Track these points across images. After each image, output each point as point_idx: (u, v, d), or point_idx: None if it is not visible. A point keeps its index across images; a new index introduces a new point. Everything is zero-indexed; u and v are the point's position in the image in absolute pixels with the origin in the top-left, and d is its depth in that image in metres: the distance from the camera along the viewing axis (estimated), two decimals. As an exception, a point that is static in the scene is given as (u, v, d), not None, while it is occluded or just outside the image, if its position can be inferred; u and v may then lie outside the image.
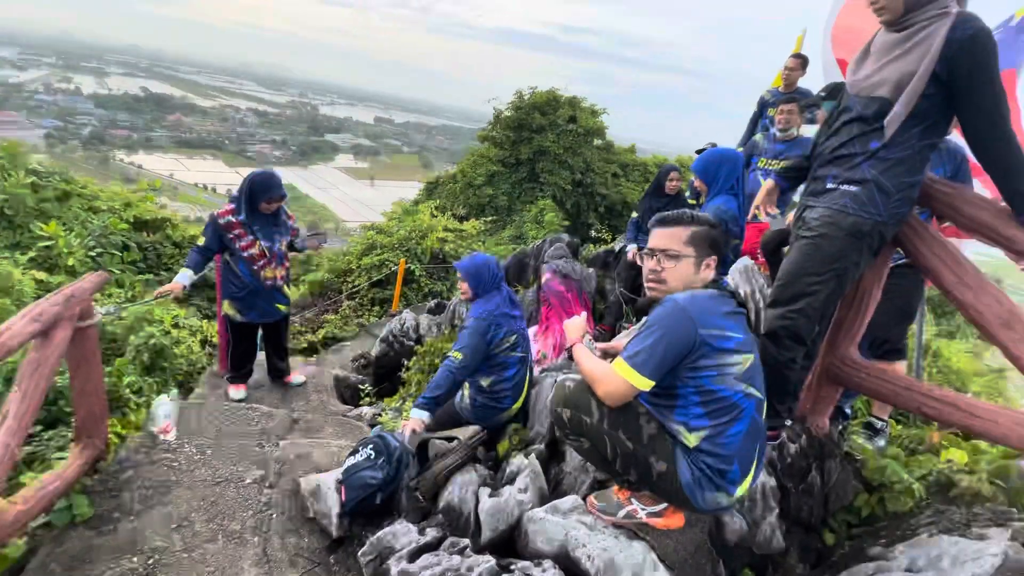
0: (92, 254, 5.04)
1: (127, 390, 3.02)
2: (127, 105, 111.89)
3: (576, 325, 1.77)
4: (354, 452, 2.27)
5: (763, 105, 4.88)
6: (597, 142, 18.33)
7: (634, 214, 4.67)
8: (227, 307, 3.32)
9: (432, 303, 8.58)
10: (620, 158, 18.31)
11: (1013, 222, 1.57)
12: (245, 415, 3.12)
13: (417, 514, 2.09)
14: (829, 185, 1.75)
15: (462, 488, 2.02)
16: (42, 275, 4.37)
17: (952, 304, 1.78)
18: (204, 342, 4.47)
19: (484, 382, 2.48)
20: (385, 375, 5.68)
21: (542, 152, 16.31)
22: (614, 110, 19.42)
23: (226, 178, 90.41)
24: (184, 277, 3.06)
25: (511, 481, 1.99)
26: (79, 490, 2.29)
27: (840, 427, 2.69)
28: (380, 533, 1.94)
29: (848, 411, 2.82)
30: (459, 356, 2.34)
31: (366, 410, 3.56)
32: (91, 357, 2.28)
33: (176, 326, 4.12)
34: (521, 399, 2.57)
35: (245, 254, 3.17)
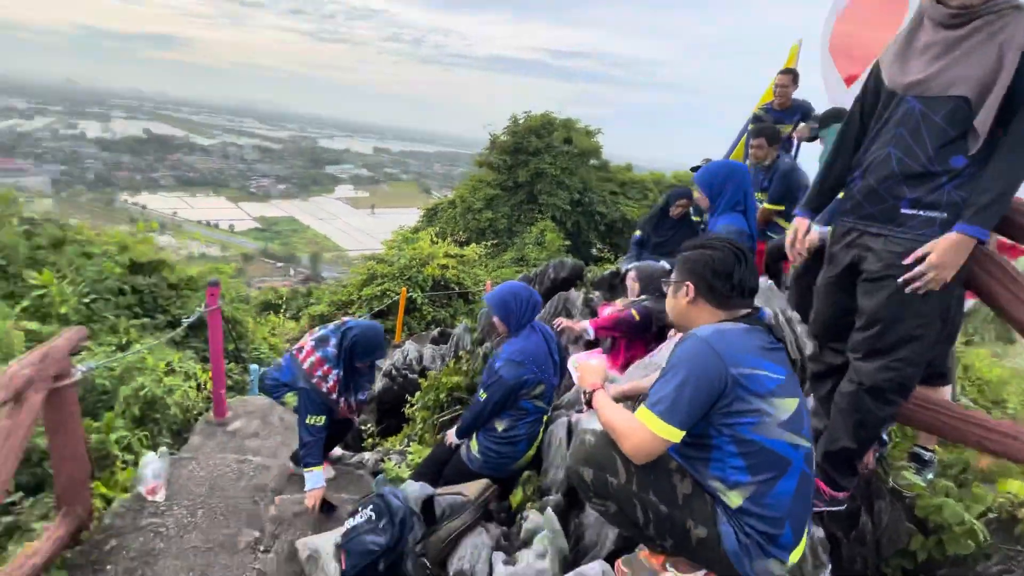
0: (86, 301, 4.92)
1: (115, 447, 2.85)
2: (130, 147, 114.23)
3: (595, 368, 1.61)
4: (354, 513, 2.08)
5: (755, 121, 4.78)
6: (593, 162, 18.41)
7: (636, 233, 4.54)
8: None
9: (435, 332, 8.43)
10: (617, 176, 18.35)
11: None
12: (237, 469, 2.93)
13: (425, 581, 1.90)
14: (905, 211, 1.51)
15: (473, 553, 1.82)
16: (34, 325, 4.24)
17: (1006, 322, 1.61)
18: (200, 387, 4.30)
19: (499, 426, 2.32)
20: (388, 412, 5.48)
21: (540, 174, 16.35)
22: (608, 129, 19.59)
23: (229, 214, 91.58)
24: (319, 478, 2.49)
25: (527, 543, 1.80)
26: (59, 565, 2.10)
27: (878, 455, 2.49)
28: (385, 606, 1.74)
29: (885, 438, 2.62)
30: (484, 396, 2.26)
31: (368, 456, 3.36)
32: (69, 420, 2.12)
33: (170, 372, 3.96)
34: (536, 445, 2.40)
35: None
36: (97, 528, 2.32)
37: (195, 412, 4.03)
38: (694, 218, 4.25)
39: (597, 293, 5.16)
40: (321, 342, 2.68)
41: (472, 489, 2.00)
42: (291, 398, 2.68)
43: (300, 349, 2.70)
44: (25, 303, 4.60)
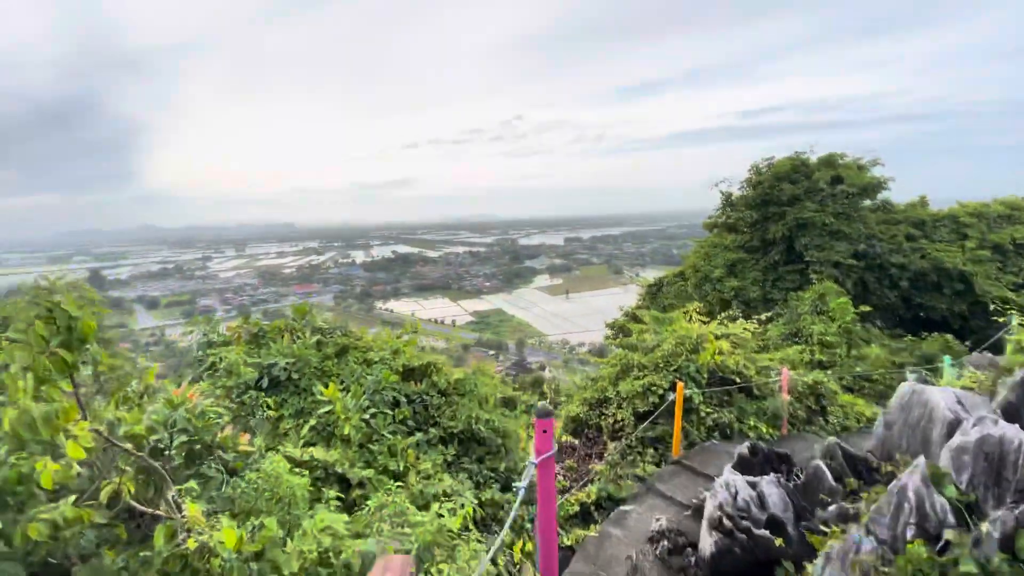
0: (365, 417, 4.31)
1: None
2: (383, 267, 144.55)
3: None
4: None
5: None
6: (866, 202, 14.43)
7: None
8: None
9: (744, 448, 6.02)
10: (909, 215, 13.90)
11: None
12: None
13: None
14: None
15: None
16: (319, 452, 3.60)
17: None
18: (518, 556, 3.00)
19: None
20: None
21: (802, 226, 13.21)
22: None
23: (452, 310, 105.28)
24: None
25: None
26: None
27: None
28: None
29: None
30: None
31: None
32: None
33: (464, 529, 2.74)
34: None
35: None
36: None
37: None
38: None
39: None
40: None
41: None
42: None
43: None
44: (312, 421, 4.15)
